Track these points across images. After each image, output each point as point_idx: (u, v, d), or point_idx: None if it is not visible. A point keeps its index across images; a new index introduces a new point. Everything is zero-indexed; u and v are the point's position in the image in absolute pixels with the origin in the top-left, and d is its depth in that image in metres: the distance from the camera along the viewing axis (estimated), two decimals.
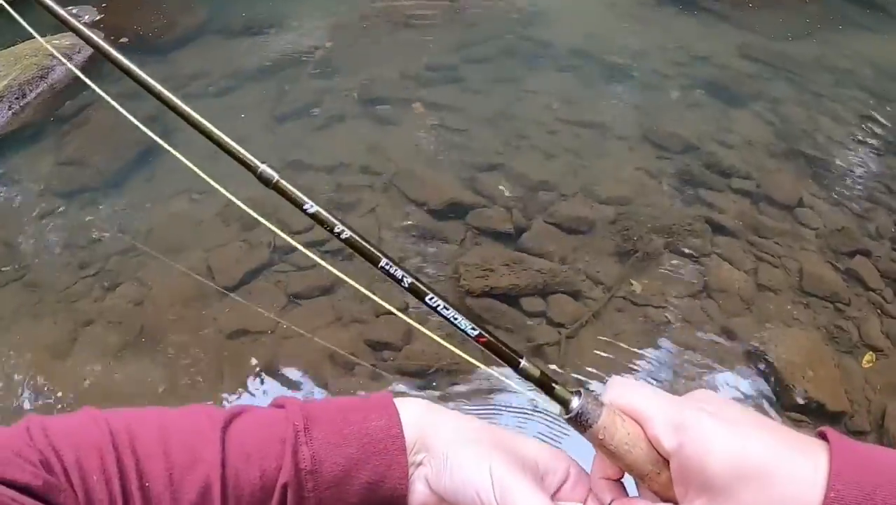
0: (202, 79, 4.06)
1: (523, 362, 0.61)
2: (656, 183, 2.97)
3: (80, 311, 2.63)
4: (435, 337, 0.68)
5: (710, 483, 0.51)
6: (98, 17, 5.22)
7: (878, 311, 2.57)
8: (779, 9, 4.86)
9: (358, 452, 0.61)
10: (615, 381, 0.61)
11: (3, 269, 2.92)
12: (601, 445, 0.58)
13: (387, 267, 0.64)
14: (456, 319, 0.64)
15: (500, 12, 4.35)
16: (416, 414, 0.64)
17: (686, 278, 2.54)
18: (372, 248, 0.65)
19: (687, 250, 2.65)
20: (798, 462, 0.50)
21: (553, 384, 0.60)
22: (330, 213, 0.66)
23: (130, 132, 3.59)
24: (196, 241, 2.87)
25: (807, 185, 3.10)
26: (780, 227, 2.82)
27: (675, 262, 2.61)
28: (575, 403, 0.58)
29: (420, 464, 0.62)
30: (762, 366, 2.29)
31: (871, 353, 2.42)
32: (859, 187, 3.19)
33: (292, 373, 2.25)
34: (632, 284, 2.51)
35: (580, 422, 0.58)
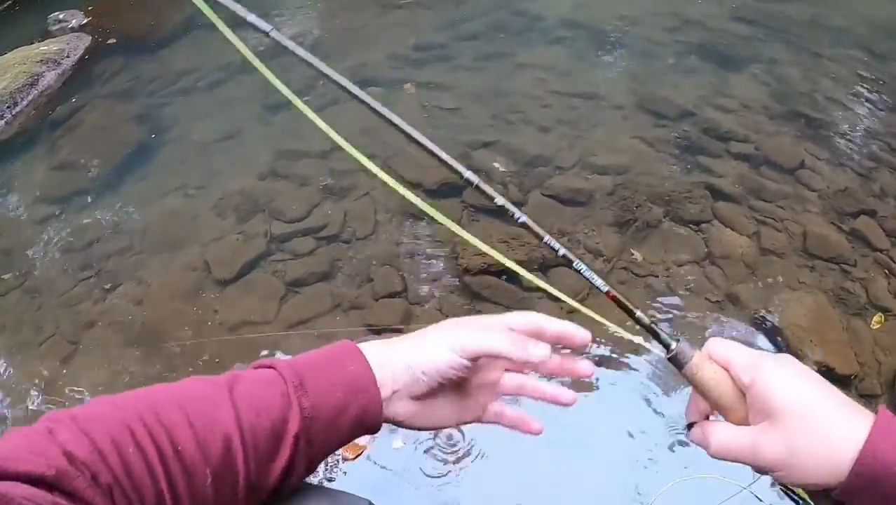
0: (192, 74, 4.00)
1: (638, 313, 0.79)
2: (654, 151, 2.88)
3: (81, 313, 2.58)
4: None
5: (772, 410, 0.66)
6: (85, 21, 5.16)
7: (886, 271, 2.49)
8: None
9: (344, 395, 0.72)
10: (713, 339, 0.75)
11: (3, 277, 2.88)
12: (693, 380, 0.73)
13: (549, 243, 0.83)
14: (592, 278, 0.82)
15: None
16: (379, 353, 0.76)
17: (688, 246, 2.47)
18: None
19: (687, 217, 2.57)
20: (844, 418, 0.63)
21: (659, 331, 0.75)
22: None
23: (121, 132, 3.53)
24: (193, 236, 2.81)
25: (807, 147, 3.00)
26: (781, 189, 2.74)
27: (676, 229, 2.53)
28: (674, 345, 0.73)
29: (395, 390, 0.74)
30: (769, 331, 2.22)
31: (880, 314, 2.35)
32: (861, 147, 3.10)
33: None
34: (633, 254, 2.43)
35: (678, 361, 0.74)
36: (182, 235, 2.84)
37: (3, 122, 4.02)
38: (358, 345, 0.77)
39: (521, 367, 0.81)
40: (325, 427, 0.71)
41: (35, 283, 2.81)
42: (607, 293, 0.80)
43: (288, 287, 2.47)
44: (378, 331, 2.20)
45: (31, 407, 2.30)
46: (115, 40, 4.74)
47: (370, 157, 2.51)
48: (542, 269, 2.36)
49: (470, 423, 0.83)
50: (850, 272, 2.47)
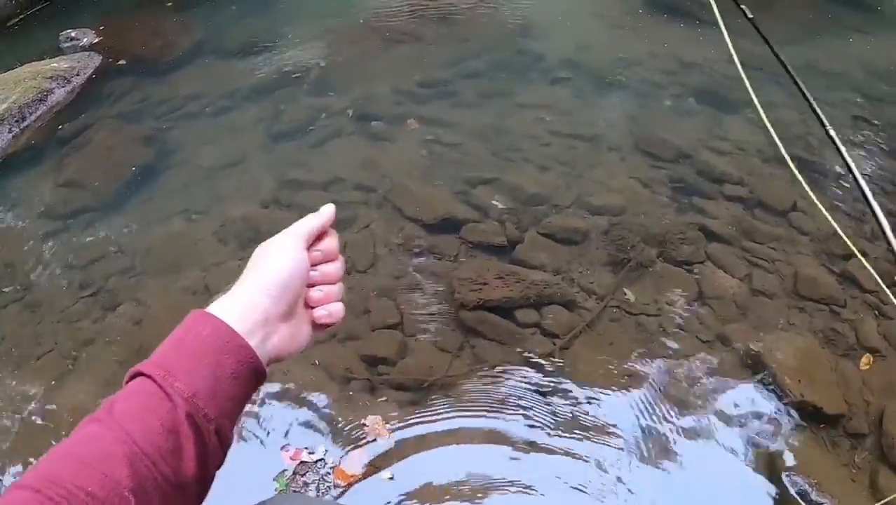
0: (199, 99, 4.14)
1: None
2: (649, 192, 3.01)
3: (80, 330, 2.69)
4: None
5: None
6: (96, 40, 5.31)
7: (875, 312, 2.59)
8: (769, 14, 4.90)
9: (214, 357, 0.75)
10: None
11: (4, 289, 2.98)
12: None
13: None
14: None
15: (492, 27, 4.42)
16: (235, 305, 0.80)
17: (680, 286, 2.57)
18: None
19: (680, 258, 2.68)
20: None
21: None
22: None
23: (128, 152, 3.65)
24: (194, 261, 2.93)
25: (800, 190, 3.11)
26: (773, 232, 2.85)
27: (669, 270, 2.64)
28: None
29: (266, 319, 0.80)
30: (759, 372, 2.32)
31: (868, 355, 2.44)
32: (853, 190, 3.21)
33: (291, 388, 2.28)
34: (626, 294, 2.53)
35: None
36: (183, 259, 2.95)
37: (10, 135, 4.17)
38: (208, 308, 0.81)
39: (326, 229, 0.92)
40: (210, 396, 0.74)
41: (36, 297, 2.93)
42: None
43: None
44: (374, 362, 2.29)
45: (23, 424, 2.38)
46: (124, 61, 4.90)
47: (370, 191, 2.59)
48: (536, 305, 2.46)
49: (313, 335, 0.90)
50: (839, 313, 2.57)
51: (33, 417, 2.37)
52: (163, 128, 3.93)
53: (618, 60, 3.98)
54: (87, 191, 3.48)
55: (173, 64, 4.70)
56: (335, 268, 0.89)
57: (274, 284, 0.82)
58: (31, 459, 2.26)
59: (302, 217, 0.91)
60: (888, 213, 3.01)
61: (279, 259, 0.84)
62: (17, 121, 4.28)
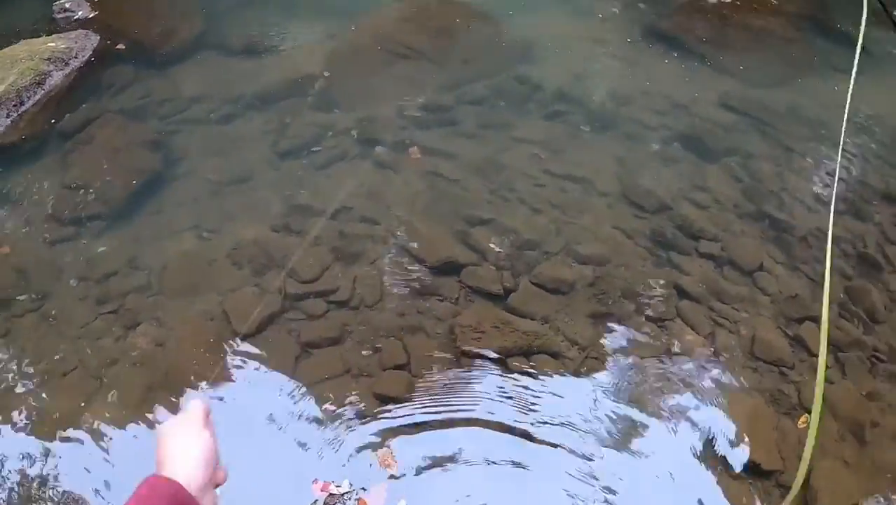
0: (203, 102, 4.44)
1: None
2: (632, 244, 3.49)
3: (103, 349, 3.04)
4: None
5: None
6: (91, 14, 5.54)
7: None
8: (762, 51, 5.36)
9: None
10: None
11: (18, 297, 3.31)
12: None
13: None
14: None
15: (493, 46, 4.80)
16: (183, 474, 1.05)
17: (650, 342, 3.08)
18: None
19: (654, 314, 3.18)
20: None
21: None
22: None
23: (134, 157, 3.98)
24: (210, 284, 3.31)
25: (769, 249, 3.63)
26: (739, 292, 3.36)
27: (642, 325, 3.14)
28: None
29: (207, 499, 1.07)
30: (708, 428, 2.84)
31: (806, 414, 2.99)
32: (818, 251, 3.70)
33: (305, 423, 2.74)
34: (603, 345, 3.04)
35: None
36: (199, 281, 3.33)
37: (9, 120, 4.42)
38: (161, 475, 1.04)
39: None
40: None
41: (52, 309, 3.25)
42: None
43: (302, 347, 3.01)
44: (385, 400, 2.77)
45: (49, 442, 2.74)
46: (123, 46, 5.13)
47: (375, 224, 3.00)
48: (526, 354, 2.95)
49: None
50: (787, 375, 3.11)
51: (68, 438, 2.77)
52: (167, 131, 4.21)
53: (611, 96, 4.41)
54: (94, 196, 3.77)
55: (174, 56, 4.94)
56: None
57: (205, 459, 1.09)
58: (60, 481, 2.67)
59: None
60: (842, 274, 3.55)
61: (199, 440, 1.11)
62: (14, 105, 4.50)
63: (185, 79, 4.77)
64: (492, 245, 3.37)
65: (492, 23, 5.06)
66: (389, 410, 2.75)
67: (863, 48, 5.65)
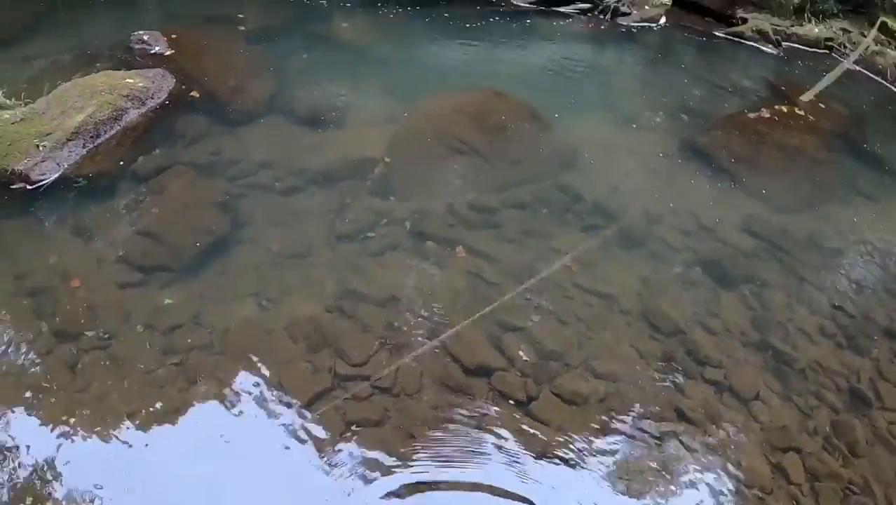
0: (270, 170, 5.09)
1: None
2: (644, 364, 4.08)
3: (166, 398, 3.59)
4: None
5: None
6: (168, 52, 6.24)
7: (794, 502, 3.70)
8: (792, 171, 5.96)
9: None
10: None
11: (86, 332, 3.89)
12: None
13: None
14: None
15: (541, 150, 5.45)
16: None
17: (649, 461, 3.67)
18: None
19: (654, 434, 3.77)
20: None
21: None
22: None
23: (204, 216, 4.62)
24: (267, 353, 3.90)
25: (766, 379, 4.20)
26: (734, 419, 3.93)
27: (644, 444, 3.74)
28: None
29: None
30: None
31: None
32: (812, 384, 4.26)
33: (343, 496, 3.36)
34: (604, 455, 3.64)
35: None
36: (258, 349, 3.90)
37: (84, 150, 5.04)
38: None
39: None
40: None
41: (119, 351, 3.80)
42: None
43: (347, 426, 3.63)
44: (421, 489, 3.38)
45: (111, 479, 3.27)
46: (197, 94, 5.83)
47: (420, 318, 3.62)
48: (538, 457, 3.56)
49: None
50: (764, 500, 3.68)
51: (113, 480, 3.25)
52: (235, 194, 4.83)
53: (644, 213, 5.02)
54: (164, 248, 4.38)
55: (245, 115, 5.60)
56: None
57: None
58: None
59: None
60: (831, 408, 4.11)
61: None
62: (91, 137, 5.14)
63: (254, 141, 5.43)
64: (520, 353, 3.98)
65: (541, 124, 5.71)
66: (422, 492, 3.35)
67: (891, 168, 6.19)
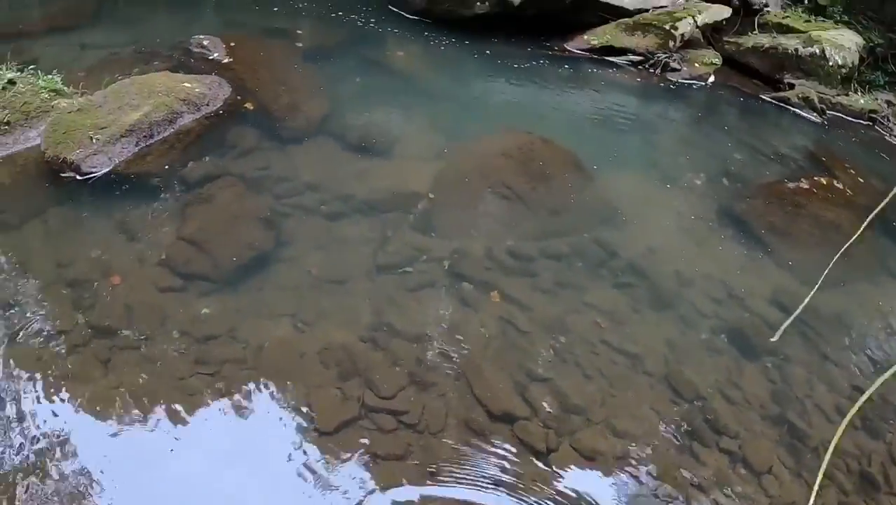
0: (317, 192, 5.34)
1: None
2: (663, 426, 4.24)
3: (195, 406, 3.78)
4: None
5: None
6: (226, 60, 6.50)
7: None
8: (826, 246, 6.10)
9: None
10: None
11: (123, 331, 4.11)
12: None
13: None
14: None
15: (582, 201, 5.65)
16: None
17: None
18: None
19: (665, 498, 3.93)
20: None
21: None
22: None
23: (248, 230, 4.85)
24: (299, 375, 4.07)
25: (780, 454, 4.34)
26: (743, 491, 4.08)
27: None
28: None
29: None
30: None
31: None
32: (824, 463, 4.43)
33: None
34: None
35: None
36: (291, 369, 4.09)
37: (136, 148, 5.29)
38: None
39: None
40: None
41: (152, 353, 4.01)
42: None
43: (371, 456, 3.82)
44: None
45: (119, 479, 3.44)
46: (251, 106, 6.09)
47: (450, 358, 3.80)
48: None
49: None
50: None
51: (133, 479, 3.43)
52: (281, 212, 5.09)
53: (675, 276, 5.20)
54: (206, 257, 4.60)
55: (296, 133, 5.86)
56: None
57: None
58: None
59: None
60: (840, 489, 4.25)
61: None
62: (145, 136, 5.38)
63: (303, 161, 5.69)
64: (544, 403, 4.16)
65: (583, 174, 5.92)
66: None
67: None
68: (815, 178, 6.87)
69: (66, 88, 5.73)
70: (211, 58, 6.87)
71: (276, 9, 8.74)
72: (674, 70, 8.42)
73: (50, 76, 5.74)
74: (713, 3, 9.39)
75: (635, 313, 4.87)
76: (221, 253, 4.67)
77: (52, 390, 3.76)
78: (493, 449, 3.90)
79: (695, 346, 4.80)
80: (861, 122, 8.80)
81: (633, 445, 4.11)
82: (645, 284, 5.07)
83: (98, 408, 3.71)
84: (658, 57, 8.43)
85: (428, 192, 5.45)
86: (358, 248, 4.98)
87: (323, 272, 4.74)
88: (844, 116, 8.75)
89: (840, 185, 6.90)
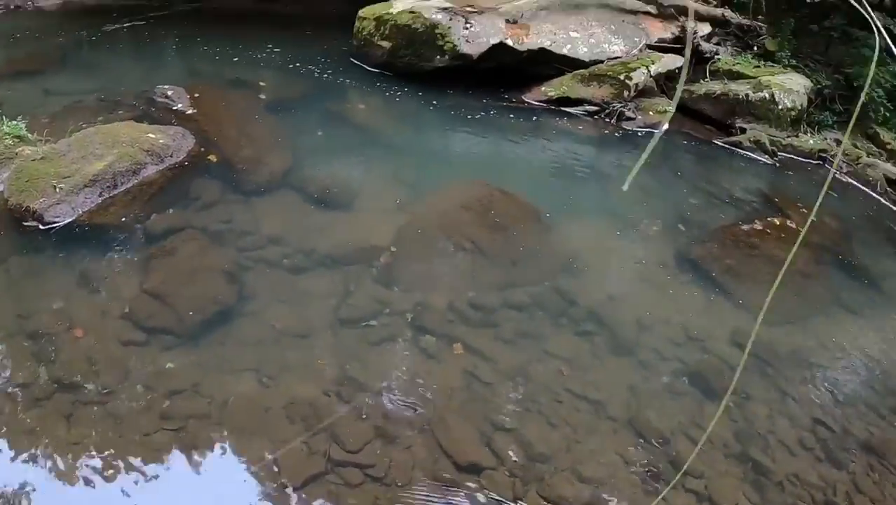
0: (280, 245, 5.45)
1: None
2: (627, 471, 4.34)
3: (161, 462, 3.81)
4: None
5: None
6: (189, 111, 6.64)
7: None
8: (781, 286, 6.30)
9: None
10: None
11: (86, 385, 4.12)
12: None
13: None
14: None
15: (541, 251, 5.82)
16: None
17: None
18: None
19: None
20: None
21: None
22: None
23: (211, 284, 4.91)
24: (265, 430, 4.11)
25: (745, 490, 4.45)
26: None
27: None
28: None
29: None
30: None
31: None
32: (788, 497, 4.53)
33: None
34: None
35: None
36: (256, 425, 4.13)
37: (100, 199, 5.34)
38: None
39: None
40: None
41: (116, 409, 4.02)
42: None
43: None
44: None
45: None
46: (214, 158, 6.20)
47: (414, 410, 3.87)
48: None
49: None
50: None
51: None
52: (244, 266, 5.17)
53: (635, 322, 5.35)
54: (169, 310, 4.66)
55: (259, 187, 5.98)
56: None
57: None
58: None
59: None
60: None
61: None
62: (108, 187, 5.43)
63: (265, 214, 5.80)
64: (510, 453, 4.24)
65: (542, 225, 6.11)
66: None
67: (879, 285, 6.53)
68: (769, 219, 7.11)
69: (30, 135, 5.80)
70: (175, 108, 7.00)
71: (236, 59, 8.96)
72: (629, 119, 8.71)
73: (14, 122, 5.83)
74: (666, 52, 9.74)
75: (597, 360, 5.00)
76: (184, 307, 4.73)
77: (13, 445, 3.78)
78: (461, 500, 3.96)
79: (657, 389, 4.93)
80: (812, 161, 9.13)
81: (600, 489, 4.20)
82: (605, 331, 5.21)
83: (61, 464, 3.73)
84: (613, 106, 8.72)
85: (389, 246, 5.57)
86: (321, 301, 5.07)
87: (286, 326, 4.82)
88: (795, 157, 9.08)
89: (793, 225, 7.15)
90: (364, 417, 4.31)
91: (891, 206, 8.98)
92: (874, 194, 9.04)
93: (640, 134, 8.69)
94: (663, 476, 4.38)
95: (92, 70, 8.21)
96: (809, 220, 3.07)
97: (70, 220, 5.16)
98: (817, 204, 3.39)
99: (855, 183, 9.12)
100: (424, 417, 4.37)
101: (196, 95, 7.25)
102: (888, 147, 9.93)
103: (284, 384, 4.43)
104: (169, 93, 7.24)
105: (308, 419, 4.25)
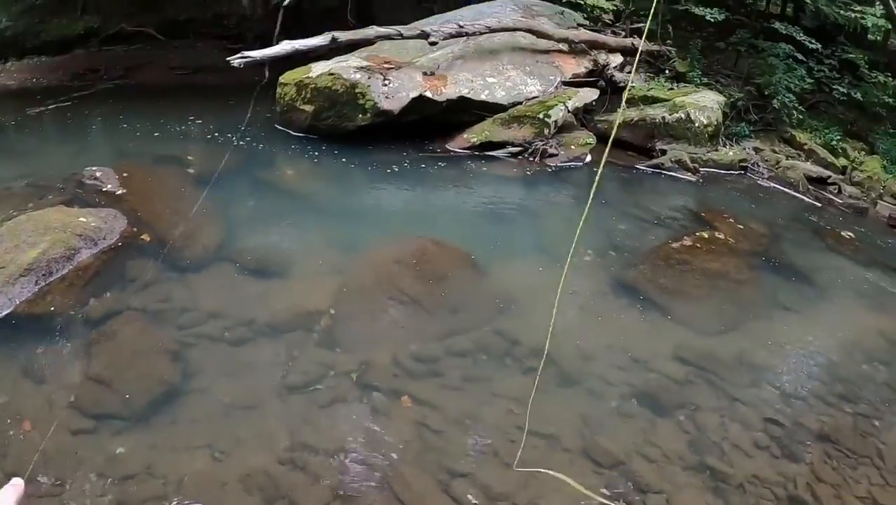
0: (219, 319, 5.47)
1: None
2: (589, 500, 4.44)
3: None
4: None
5: None
6: (119, 191, 6.64)
7: None
8: (716, 295, 6.56)
9: None
10: None
11: (39, 478, 4.04)
12: None
13: None
14: None
15: (478, 296, 5.96)
16: None
17: None
18: None
19: None
20: None
21: None
22: None
23: (155, 364, 4.91)
24: (222, 504, 4.15)
25: (708, 498, 4.57)
26: None
27: None
28: None
29: None
30: None
31: None
32: (751, 497, 4.66)
33: None
34: None
35: None
36: (213, 499, 4.07)
37: (36, 287, 5.31)
38: None
39: None
40: None
41: (71, 500, 3.94)
42: None
43: None
44: None
45: None
46: (147, 238, 6.23)
47: (371, 469, 3.94)
48: None
49: None
50: None
51: None
52: (186, 343, 5.18)
53: (578, 352, 5.51)
54: (115, 395, 4.65)
55: (194, 262, 6.02)
56: None
57: None
58: None
59: None
60: None
61: None
62: (43, 275, 5.40)
63: (203, 290, 5.83)
64: (469, 496, 4.31)
65: (477, 270, 6.27)
66: None
67: (810, 279, 6.81)
68: (698, 234, 7.39)
69: None
70: (104, 189, 7.01)
71: (161, 135, 9.05)
72: (552, 155, 9.00)
73: None
74: (581, 87, 10.13)
75: (545, 395, 5.11)
76: (130, 389, 4.73)
77: None
78: None
79: (607, 415, 5.06)
80: (733, 172, 9.53)
81: None
82: (550, 365, 5.33)
83: None
84: (536, 145, 9.01)
85: (328, 308, 5.65)
86: (266, 371, 5.11)
87: (234, 399, 4.83)
88: (717, 171, 9.48)
89: (721, 236, 7.44)
90: (321, 480, 4.34)
91: (813, 202, 9.41)
92: (797, 194, 9.47)
93: (563, 169, 8.97)
94: (625, 499, 4.48)
95: (18, 156, 8.19)
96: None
97: (8, 311, 5.14)
98: None
99: (777, 186, 9.55)
100: (381, 473, 4.42)
101: (125, 175, 7.28)
102: (805, 147, 10.44)
103: (238, 457, 4.43)
104: (98, 174, 7.24)
105: (266, 489, 4.26)
